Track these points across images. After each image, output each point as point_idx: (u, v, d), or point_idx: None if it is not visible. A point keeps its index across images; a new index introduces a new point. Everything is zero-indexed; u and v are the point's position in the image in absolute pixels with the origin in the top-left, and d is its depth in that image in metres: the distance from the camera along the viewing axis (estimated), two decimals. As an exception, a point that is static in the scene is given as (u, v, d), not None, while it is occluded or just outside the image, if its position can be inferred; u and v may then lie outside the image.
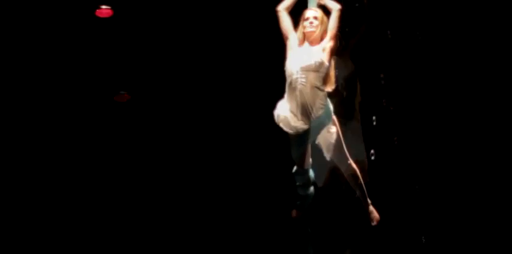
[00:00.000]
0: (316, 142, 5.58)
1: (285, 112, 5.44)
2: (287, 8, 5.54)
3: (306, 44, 5.51)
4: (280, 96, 5.53)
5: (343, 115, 5.91)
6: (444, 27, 7.68)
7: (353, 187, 5.78)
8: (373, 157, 6.29)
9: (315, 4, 5.60)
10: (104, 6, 8.10)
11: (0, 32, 8.01)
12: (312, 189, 5.79)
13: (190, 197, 8.39)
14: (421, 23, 7.31)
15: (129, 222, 8.37)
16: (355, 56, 6.39)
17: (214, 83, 8.43)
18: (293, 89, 5.41)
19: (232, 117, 8.43)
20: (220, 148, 8.47)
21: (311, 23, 5.49)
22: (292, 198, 5.83)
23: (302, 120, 5.40)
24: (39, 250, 8.15)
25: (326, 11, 5.55)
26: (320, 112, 5.44)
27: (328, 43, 5.47)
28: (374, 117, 6.52)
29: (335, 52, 5.55)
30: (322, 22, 5.51)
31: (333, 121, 5.59)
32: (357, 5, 6.48)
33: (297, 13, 5.65)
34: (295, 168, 5.64)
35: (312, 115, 5.41)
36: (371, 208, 5.83)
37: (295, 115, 5.41)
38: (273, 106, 5.52)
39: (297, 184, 5.72)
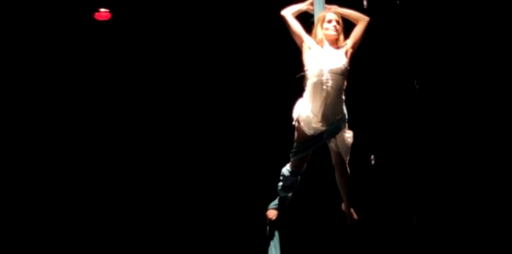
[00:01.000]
0: (330, 144, 5.49)
1: (306, 111, 5.36)
2: (293, 14, 5.54)
3: (326, 45, 5.44)
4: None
5: None
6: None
7: (339, 187, 5.68)
8: (373, 162, 6.27)
9: (322, 5, 5.55)
10: (102, 9, 8.14)
11: (0, 34, 8.08)
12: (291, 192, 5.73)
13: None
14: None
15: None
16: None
17: (214, 83, 8.43)
18: (320, 90, 5.31)
19: (233, 117, 8.43)
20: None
21: (335, 26, 5.43)
22: (267, 199, 5.79)
23: (321, 122, 5.33)
24: (35, 247, 8.04)
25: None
26: (339, 116, 5.38)
27: (350, 49, 5.45)
28: None
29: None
30: (342, 27, 5.49)
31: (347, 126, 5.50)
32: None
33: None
34: (289, 169, 5.53)
35: (332, 118, 5.35)
36: (351, 210, 5.77)
37: (315, 115, 5.34)
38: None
39: (283, 185, 5.61)
